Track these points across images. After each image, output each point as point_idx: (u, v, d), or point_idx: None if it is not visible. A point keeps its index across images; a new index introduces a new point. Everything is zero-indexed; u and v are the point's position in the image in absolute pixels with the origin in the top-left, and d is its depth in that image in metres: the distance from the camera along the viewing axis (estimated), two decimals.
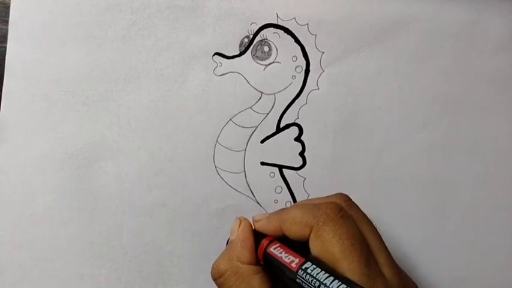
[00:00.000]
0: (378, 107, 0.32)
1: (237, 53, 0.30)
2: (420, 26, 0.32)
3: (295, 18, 0.31)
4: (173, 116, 0.30)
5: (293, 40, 0.31)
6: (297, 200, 0.32)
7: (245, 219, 0.27)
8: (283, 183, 0.32)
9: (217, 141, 0.31)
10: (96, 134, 0.29)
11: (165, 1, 0.29)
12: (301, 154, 0.32)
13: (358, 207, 0.25)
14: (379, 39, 0.32)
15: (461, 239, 0.34)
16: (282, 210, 0.25)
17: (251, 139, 0.31)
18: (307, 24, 0.31)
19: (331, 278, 0.20)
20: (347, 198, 0.25)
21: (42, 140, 0.29)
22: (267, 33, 0.30)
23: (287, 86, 0.31)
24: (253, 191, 0.31)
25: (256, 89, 0.31)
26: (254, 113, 0.31)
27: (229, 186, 0.31)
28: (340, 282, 0.20)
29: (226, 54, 0.30)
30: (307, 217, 0.23)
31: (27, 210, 0.29)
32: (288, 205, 0.32)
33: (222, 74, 0.30)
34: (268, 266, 0.25)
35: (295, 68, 0.31)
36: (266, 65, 0.31)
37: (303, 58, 0.31)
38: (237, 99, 0.31)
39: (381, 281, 0.21)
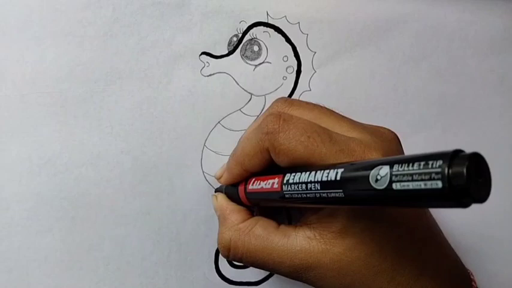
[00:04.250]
0: (372, 109, 0.32)
1: (226, 52, 0.29)
2: (414, 26, 0.32)
3: (286, 16, 0.30)
4: (158, 118, 0.29)
5: (284, 39, 0.30)
6: None
7: (218, 193, 0.28)
8: None
9: (204, 145, 0.30)
10: (75, 138, 0.28)
11: None
12: None
13: (299, 100, 0.24)
14: (373, 39, 0.31)
15: (456, 242, 0.33)
16: (233, 152, 0.25)
17: None
18: (299, 23, 0.30)
19: (313, 173, 0.19)
20: (285, 100, 0.25)
21: (17, 144, 0.27)
22: (257, 32, 0.30)
23: (278, 87, 0.30)
24: None
25: (246, 90, 0.30)
26: (243, 115, 0.30)
27: None
28: (322, 171, 0.19)
29: (214, 53, 0.29)
30: (256, 145, 0.23)
31: (1, 219, 0.27)
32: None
33: (210, 75, 0.29)
34: (258, 205, 0.25)
35: (286, 69, 0.30)
36: (256, 65, 0.30)
37: (294, 58, 0.30)
38: (225, 101, 0.30)
39: (354, 143, 0.21)
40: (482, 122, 0.34)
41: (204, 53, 0.29)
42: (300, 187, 0.20)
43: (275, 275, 0.31)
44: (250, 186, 0.24)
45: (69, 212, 0.28)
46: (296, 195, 0.21)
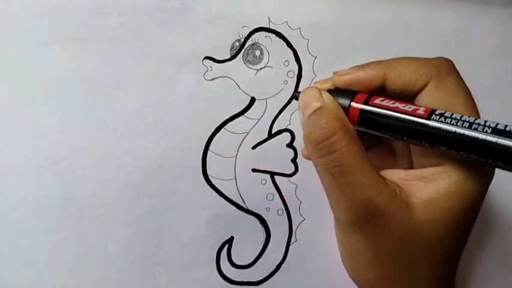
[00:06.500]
0: None
1: (228, 57, 0.30)
2: (413, 32, 0.32)
3: (287, 22, 0.30)
4: (161, 121, 0.29)
5: (285, 44, 0.30)
6: (289, 208, 0.31)
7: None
8: (275, 191, 0.31)
9: (209, 148, 0.30)
10: (81, 140, 0.28)
11: (153, 3, 0.28)
12: (293, 161, 0.31)
13: None
14: (373, 44, 0.32)
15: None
16: (383, 60, 0.22)
17: (242, 145, 0.30)
18: (300, 28, 0.30)
19: (484, 120, 0.18)
20: None
21: (24, 145, 0.28)
22: (259, 37, 0.30)
23: (279, 91, 0.31)
24: (244, 198, 0.31)
25: (248, 94, 0.30)
26: (245, 118, 0.30)
27: (220, 193, 0.30)
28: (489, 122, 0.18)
29: (217, 58, 0.30)
30: (426, 66, 0.21)
31: (8, 219, 0.28)
32: (280, 213, 0.31)
33: (213, 79, 0.30)
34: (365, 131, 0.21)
35: (288, 73, 0.31)
36: (258, 70, 0.30)
37: (295, 63, 0.31)
38: (227, 105, 0.30)
39: None
40: None
41: (207, 57, 0.29)
42: (460, 123, 0.18)
43: (276, 275, 0.31)
44: (377, 101, 0.21)
45: (74, 213, 0.28)
46: (448, 130, 0.18)
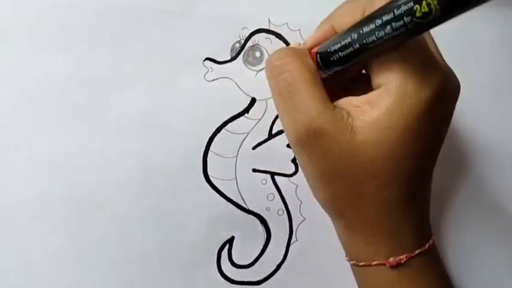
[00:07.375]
0: None
1: (228, 58, 0.30)
2: None
3: (287, 23, 0.30)
4: (162, 122, 0.29)
5: (285, 46, 0.31)
6: (290, 208, 0.31)
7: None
8: (275, 191, 0.31)
9: (209, 148, 0.30)
10: (83, 141, 0.28)
11: (155, 5, 0.28)
12: (294, 161, 0.31)
13: None
14: None
15: (455, 244, 0.34)
16: (329, 15, 0.25)
17: (242, 145, 0.31)
18: (300, 29, 0.31)
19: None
20: None
21: (27, 145, 0.28)
22: (259, 38, 0.30)
23: None
24: (244, 198, 0.31)
25: (248, 95, 0.31)
26: (246, 119, 0.31)
27: (220, 193, 0.30)
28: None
29: (217, 59, 0.30)
30: (358, 2, 0.22)
31: (11, 219, 0.28)
32: (281, 213, 0.31)
33: (213, 80, 0.30)
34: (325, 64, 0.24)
35: None
36: (258, 71, 0.30)
37: None
38: (228, 105, 0.30)
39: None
40: (481, 126, 0.34)
41: (207, 58, 0.30)
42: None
43: (276, 275, 0.31)
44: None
45: (75, 212, 0.29)
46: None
